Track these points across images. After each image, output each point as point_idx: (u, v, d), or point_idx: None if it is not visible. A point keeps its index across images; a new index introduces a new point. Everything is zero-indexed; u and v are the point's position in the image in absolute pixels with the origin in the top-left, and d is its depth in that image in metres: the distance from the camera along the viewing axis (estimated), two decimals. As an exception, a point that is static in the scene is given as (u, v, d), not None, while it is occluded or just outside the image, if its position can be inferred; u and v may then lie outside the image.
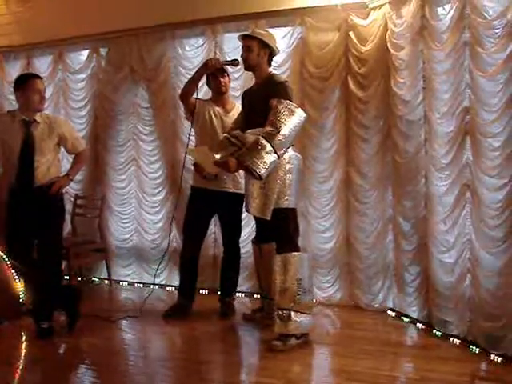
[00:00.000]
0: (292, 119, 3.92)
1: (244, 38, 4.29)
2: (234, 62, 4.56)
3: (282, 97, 3.99)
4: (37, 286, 4.36)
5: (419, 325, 4.43)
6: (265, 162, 3.83)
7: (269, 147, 3.83)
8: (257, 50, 4.21)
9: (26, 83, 4.31)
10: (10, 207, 4.34)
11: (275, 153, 3.85)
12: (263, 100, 4.02)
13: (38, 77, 4.48)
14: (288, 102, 3.99)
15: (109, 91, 6.15)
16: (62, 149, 4.56)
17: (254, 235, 4.73)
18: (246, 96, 4.46)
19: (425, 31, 4.29)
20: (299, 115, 3.98)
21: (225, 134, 4.44)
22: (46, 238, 4.33)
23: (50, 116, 4.55)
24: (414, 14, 4.36)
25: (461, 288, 3.99)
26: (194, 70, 5.00)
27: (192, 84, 4.67)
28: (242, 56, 4.29)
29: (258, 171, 3.82)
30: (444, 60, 4.09)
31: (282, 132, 3.86)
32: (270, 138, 3.85)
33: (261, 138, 3.86)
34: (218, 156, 4.27)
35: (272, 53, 4.31)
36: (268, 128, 3.89)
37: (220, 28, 5.54)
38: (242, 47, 4.29)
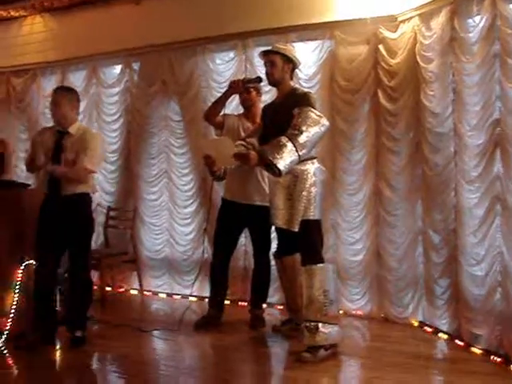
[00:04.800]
0: (315, 124, 3.91)
1: (266, 53, 4.32)
2: (257, 80, 4.62)
3: (305, 105, 4.00)
4: (69, 296, 4.47)
5: (449, 338, 4.40)
6: (285, 160, 3.80)
7: (290, 146, 3.81)
8: (281, 65, 4.24)
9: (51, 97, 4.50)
10: (40, 215, 4.40)
11: (296, 152, 3.83)
12: (287, 112, 4.01)
13: (57, 89, 4.63)
14: (311, 108, 3.99)
15: (141, 105, 6.27)
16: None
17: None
18: (268, 110, 4.47)
19: (454, 43, 4.29)
20: (322, 122, 3.97)
21: (239, 141, 4.37)
22: (73, 248, 4.41)
23: (86, 129, 4.61)
24: (444, 26, 4.36)
25: (491, 301, 3.94)
26: (225, 84, 5.10)
27: (217, 105, 4.77)
28: (266, 72, 4.33)
29: (278, 166, 3.79)
30: (474, 72, 4.08)
31: (304, 134, 3.85)
32: (292, 138, 3.84)
33: (283, 137, 3.85)
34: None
35: (294, 67, 4.35)
36: (290, 130, 3.89)
37: (250, 42, 5.61)
38: (265, 63, 4.32)
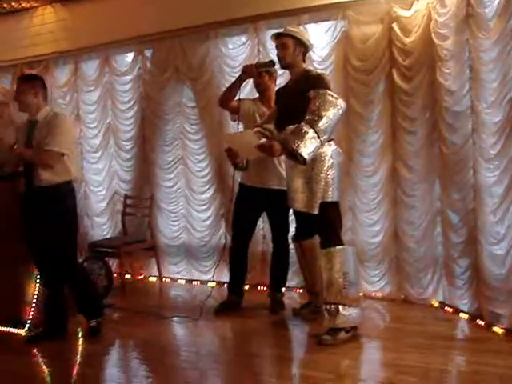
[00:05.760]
0: (333, 107, 3.88)
1: (278, 36, 4.30)
2: (269, 64, 4.61)
3: (320, 88, 3.98)
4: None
5: (470, 318, 4.37)
6: (308, 147, 3.78)
7: (312, 133, 3.79)
8: (292, 47, 4.21)
9: None
10: (20, 208, 4.34)
11: (318, 138, 3.81)
12: (300, 95, 4.00)
13: (19, 77, 4.58)
14: (327, 91, 3.97)
15: (155, 92, 6.25)
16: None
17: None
18: (281, 93, 4.46)
19: (470, 19, 4.21)
20: (340, 104, 3.94)
21: (257, 128, 4.40)
22: (55, 241, 4.23)
23: (54, 114, 4.35)
24: (459, 2, 4.28)
25: (512, 280, 3.92)
26: (238, 68, 5.08)
27: (231, 91, 4.76)
28: (277, 55, 4.30)
29: (302, 155, 3.77)
30: (491, 48, 4.00)
31: (324, 119, 3.83)
32: (312, 124, 3.82)
33: (303, 125, 3.83)
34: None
35: (306, 49, 4.32)
36: (309, 116, 3.87)
37: (262, 25, 5.55)
38: (276, 46, 4.30)
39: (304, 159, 3.81)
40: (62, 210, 4.25)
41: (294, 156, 3.86)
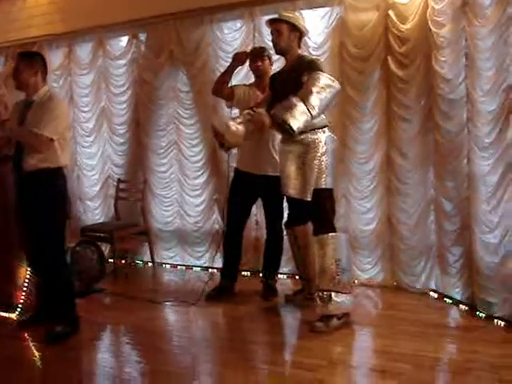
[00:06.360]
0: (325, 85, 3.88)
1: (273, 21, 4.27)
2: (261, 50, 4.65)
3: (314, 71, 3.97)
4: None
5: (462, 306, 4.38)
6: (298, 119, 3.77)
7: (302, 106, 3.78)
8: (287, 33, 4.19)
9: None
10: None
11: (309, 112, 3.80)
12: (295, 80, 4.00)
13: (18, 54, 4.24)
14: (321, 72, 3.96)
15: (149, 76, 6.20)
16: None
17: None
18: (277, 78, 4.43)
19: (467, 7, 4.17)
20: (332, 83, 3.95)
21: (247, 110, 4.36)
22: (39, 230, 4.05)
23: (50, 96, 4.11)
24: (456, -11, 4.26)
25: (505, 269, 3.91)
26: (233, 53, 5.05)
27: (223, 78, 4.79)
28: (272, 40, 4.28)
29: (291, 125, 3.75)
30: (487, 36, 3.97)
31: (315, 94, 3.82)
32: (303, 98, 3.82)
33: (294, 98, 3.83)
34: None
35: (301, 35, 4.30)
36: (301, 92, 3.86)
37: (258, 10, 5.50)
38: (271, 32, 4.28)
39: (293, 130, 3.79)
40: (49, 197, 4.01)
41: (284, 128, 3.84)
